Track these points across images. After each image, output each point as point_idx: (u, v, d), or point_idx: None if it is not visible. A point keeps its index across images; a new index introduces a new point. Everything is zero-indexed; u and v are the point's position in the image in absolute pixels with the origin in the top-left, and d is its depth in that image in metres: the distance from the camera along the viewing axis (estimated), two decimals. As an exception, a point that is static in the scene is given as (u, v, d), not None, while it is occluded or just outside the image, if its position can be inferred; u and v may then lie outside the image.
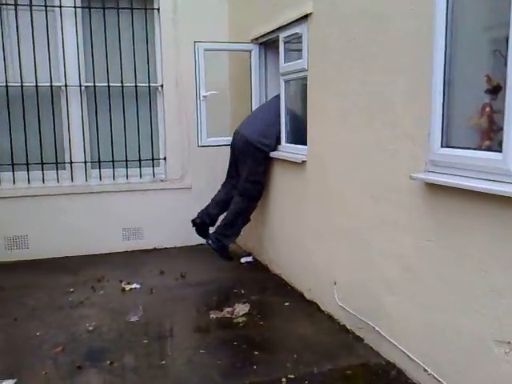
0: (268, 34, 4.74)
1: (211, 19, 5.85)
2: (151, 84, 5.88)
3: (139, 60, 5.81)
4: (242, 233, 5.27)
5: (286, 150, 4.57)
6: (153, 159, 6.00)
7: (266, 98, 5.16)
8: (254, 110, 5.07)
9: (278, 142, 4.70)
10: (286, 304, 4.20)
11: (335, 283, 3.69)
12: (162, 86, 5.90)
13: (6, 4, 5.31)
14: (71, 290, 4.66)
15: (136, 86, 5.80)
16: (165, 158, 6.03)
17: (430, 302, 2.69)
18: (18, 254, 5.52)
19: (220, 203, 5.26)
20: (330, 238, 3.76)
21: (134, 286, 4.75)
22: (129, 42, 5.76)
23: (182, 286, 4.71)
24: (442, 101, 2.51)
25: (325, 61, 3.72)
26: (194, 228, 5.33)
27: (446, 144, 2.54)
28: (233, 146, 5.02)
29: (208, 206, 5.33)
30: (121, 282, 4.84)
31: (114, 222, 5.87)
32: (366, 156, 3.21)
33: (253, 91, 5.09)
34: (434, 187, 2.60)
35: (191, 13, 5.79)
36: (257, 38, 5.03)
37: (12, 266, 5.34)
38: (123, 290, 4.68)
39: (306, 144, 4.22)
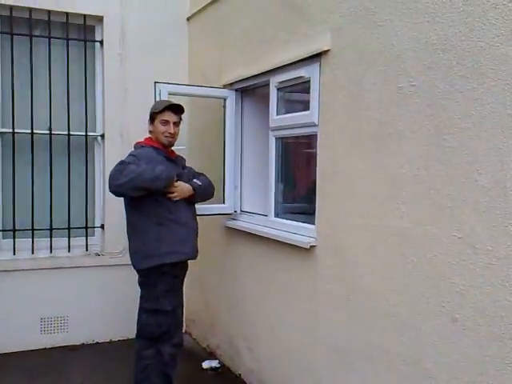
0: (252, 78, 3.70)
1: (168, 57, 4.80)
2: (89, 133, 4.68)
3: (74, 103, 4.64)
4: (196, 322, 4.03)
5: (278, 226, 3.47)
6: (86, 227, 4.71)
7: (242, 156, 4.08)
8: None
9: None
10: None
11: (371, 431, 2.56)
12: (102, 136, 4.70)
13: None
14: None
15: (69, 135, 4.57)
16: (102, 226, 4.75)
17: None
18: None
19: None
20: (363, 364, 2.65)
21: (59, 416, 3.37)
22: (62, 80, 4.58)
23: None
24: None
25: (352, 114, 2.71)
26: None
27: None
28: None
29: None
30: (39, 406, 3.45)
31: (30, 309, 4.47)
32: (446, 258, 2.17)
33: (227, 147, 3.99)
34: None
35: (143, 48, 4.72)
36: (232, 84, 3.98)
37: None
38: (43, 422, 3.29)
39: (307, 219, 3.20)
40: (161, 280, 3.13)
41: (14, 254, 4.46)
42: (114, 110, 4.64)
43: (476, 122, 2.02)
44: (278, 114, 3.47)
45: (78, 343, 4.60)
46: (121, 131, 4.63)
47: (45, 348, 4.49)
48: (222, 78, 4.11)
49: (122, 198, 3.25)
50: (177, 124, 3.35)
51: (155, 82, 3.74)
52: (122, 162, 3.09)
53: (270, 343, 3.53)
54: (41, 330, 4.52)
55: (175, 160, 3.40)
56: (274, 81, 3.44)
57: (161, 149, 3.31)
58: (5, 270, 4.37)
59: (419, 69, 2.29)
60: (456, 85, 2.11)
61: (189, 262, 3.39)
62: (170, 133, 3.28)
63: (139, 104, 4.51)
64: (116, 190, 3.06)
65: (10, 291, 4.40)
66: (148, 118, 3.38)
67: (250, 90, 4.00)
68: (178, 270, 3.23)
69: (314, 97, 3.03)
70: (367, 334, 2.62)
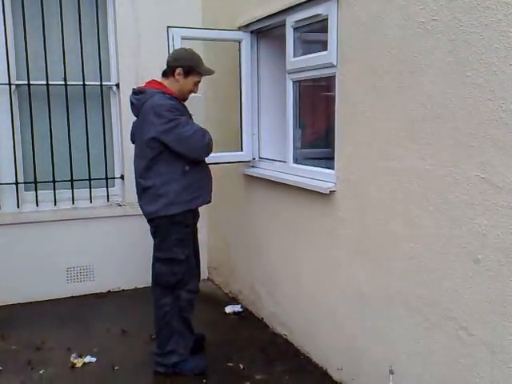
0: (267, 18, 3.58)
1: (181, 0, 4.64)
2: (104, 83, 4.61)
3: (88, 52, 4.57)
4: (218, 269, 4.07)
5: (297, 172, 3.43)
6: (107, 178, 4.72)
7: (259, 101, 4.00)
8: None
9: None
10: (311, 390, 3.06)
11: (391, 372, 2.59)
12: (117, 85, 4.64)
13: None
14: (-3, 367, 3.35)
15: (84, 85, 4.52)
16: (122, 177, 4.76)
17: None
18: None
19: None
20: (383, 307, 2.65)
21: (87, 359, 3.48)
22: (74, 29, 4.49)
23: (155, 357, 3.47)
24: None
25: (371, 52, 2.61)
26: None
27: None
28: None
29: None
30: (69, 350, 3.56)
31: (55, 259, 4.55)
32: (469, 198, 2.12)
33: (243, 93, 3.91)
34: None
35: (155, -8, 4.57)
36: (247, 25, 3.86)
37: None
38: (73, 366, 3.41)
39: (327, 164, 3.16)
40: (173, 229, 3.11)
41: (37, 205, 4.52)
42: (128, 57, 4.57)
43: (501, 57, 1.92)
44: (294, 56, 3.37)
45: (104, 291, 4.71)
46: (136, 80, 4.54)
47: (72, 296, 4.59)
48: (237, 20, 3.98)
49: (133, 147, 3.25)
50: None
51: (168, 27, 3.64)
52: (196, 129, 3.13)
53: (291, 288, 3.56)
54: (67, 279, 4.62)
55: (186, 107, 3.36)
56: (290, 20, 3.32)
57: (179, 98, 3.24)
58: (29, 222, 4.45)
59: (441, 1, 2.17)
60: (480, 17, 2.00)
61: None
62: (194, 92, 3.33)
63: (153, 51, 4.44)
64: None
65: (36, 242, 4.47)
66: (171, 63, 3.18)
67: (266, 32, 3.87)
68: (190, 218, 3.23)
69: (331, 35, 2.93)
70: (387, 278, 2.61)
